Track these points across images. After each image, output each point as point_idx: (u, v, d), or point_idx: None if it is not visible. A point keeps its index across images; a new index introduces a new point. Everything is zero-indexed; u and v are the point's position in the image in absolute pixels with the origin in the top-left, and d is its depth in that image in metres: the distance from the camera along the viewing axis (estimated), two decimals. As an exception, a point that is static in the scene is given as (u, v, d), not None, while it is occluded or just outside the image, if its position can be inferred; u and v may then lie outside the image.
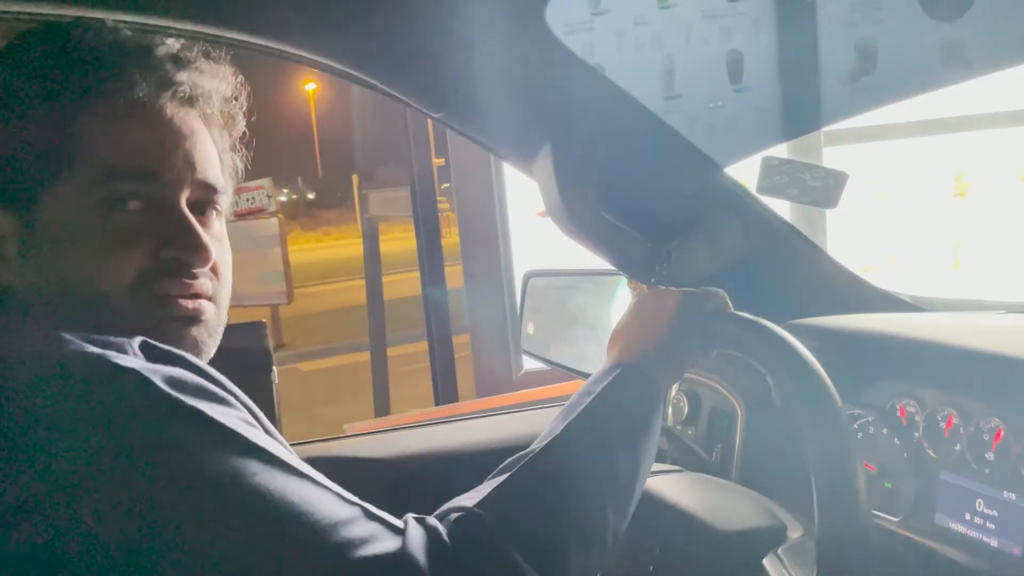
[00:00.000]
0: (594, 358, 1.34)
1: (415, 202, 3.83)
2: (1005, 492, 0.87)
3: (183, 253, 0.76)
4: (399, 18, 0.99)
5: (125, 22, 0.84)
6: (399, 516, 0.71)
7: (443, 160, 3.98)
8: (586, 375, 0.95)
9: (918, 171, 3.77)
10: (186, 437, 0.63)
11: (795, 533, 0.92)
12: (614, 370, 0.87)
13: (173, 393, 0.63)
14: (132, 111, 0.75)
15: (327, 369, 8.02)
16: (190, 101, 0.79)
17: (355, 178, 5.79)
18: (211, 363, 0.76)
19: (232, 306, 0.83)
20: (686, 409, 1.30)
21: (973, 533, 0.89)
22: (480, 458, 0.89)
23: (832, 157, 3.18)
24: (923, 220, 3.82)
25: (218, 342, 0.80)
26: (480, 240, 3.42)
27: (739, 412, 1.21)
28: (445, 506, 0.74)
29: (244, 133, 0.87)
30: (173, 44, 0.80)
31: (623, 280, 1.32)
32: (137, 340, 0.68)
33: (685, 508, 0.95)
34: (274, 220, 4.49)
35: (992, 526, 0.87)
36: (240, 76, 0.86)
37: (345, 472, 0.89)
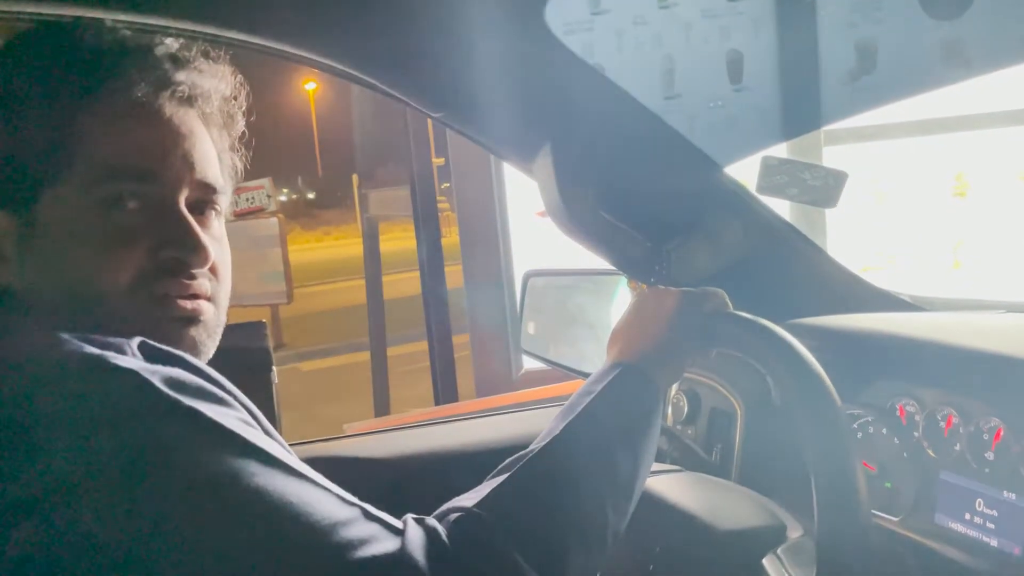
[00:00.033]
0: (594, 358, 1.34)
1: (415, 202, 3.83)
2: (1005, 492, 0.87)
3: (182, 253, 0.76)
4: (398, 18, 0.99)
5: (124, 22, 0.84)
6: (399, 516, 0.71)
7: (443, 160, 3.98)
8: (586, 375, 0.95)
9: (918, 171, 3.77)
10: (185, 438, 0.63)
11: (795, 533, 0.92)
12: (613, 370, 0.87)
13: (172, 393, 0.63)
14: (131, 111, 0.75)
15: (327, 369, 8.02)
16: (189, 101, 0.79)
17: (355, 178, 5.79)
18: (211, 363, 0.77)
19: (232, 306, 0.83)
20: (686, 409, 1.30)
21: (973, 533, 0.89)
22: (480, 458, 0.89)
23: (832, 157, 3.18)
24: (923, 220, 3.82)
25: (217, 342, 0.80)
26: (480, 240, 3.42)
27: (739, 412, 1.21)
28: (444, 506, 0.74)
29: (243, 133, 0.87)
30: (172, 44, 0.80)
31: (623, 280, 1.32)
32: (136, 340, 0.68)
33: (685, 508, 0.95)
34: (274, 220, 4.49)
35: (992, 526, 0.87)
36: (239, 76, 0.86)
37: (345, 472, 0.89)
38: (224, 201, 0.82)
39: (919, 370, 1.01)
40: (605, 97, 1.12)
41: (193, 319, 0.77)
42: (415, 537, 0.67)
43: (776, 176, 1.17)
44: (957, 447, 0.92)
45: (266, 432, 0.70)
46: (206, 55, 0.82)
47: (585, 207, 1.11)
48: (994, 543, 0.87)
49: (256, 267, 4.33)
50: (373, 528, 0.67)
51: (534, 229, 3.30)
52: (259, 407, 0.73)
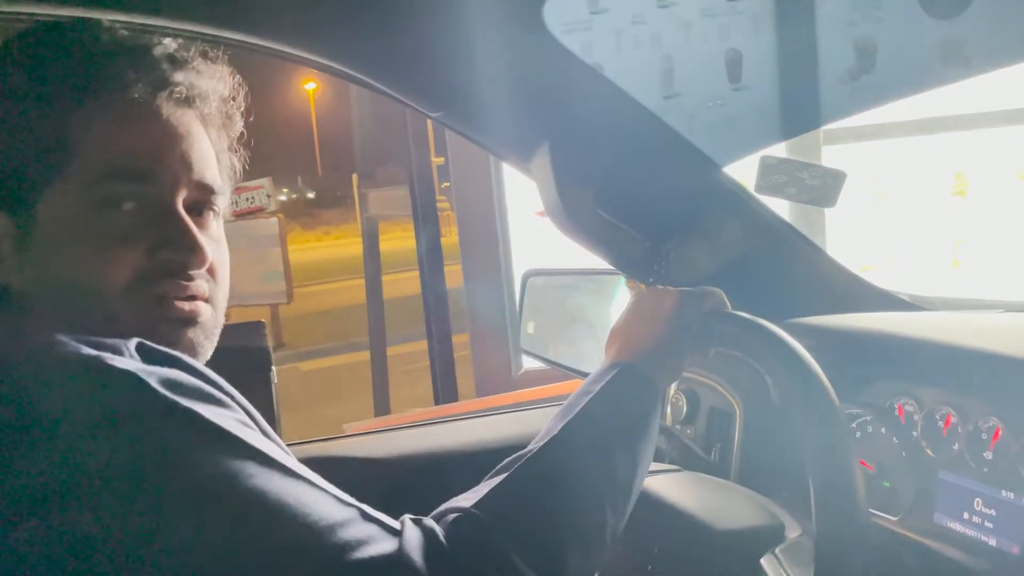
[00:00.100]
0: (593, 357, 1.34)
1: (414, 201, 3.84)
2: (1003, 491, 0.87)
3: (179, 254, 0.76)
4: (396, 17, 0.99)
5: (122, 22, 0.84)
6: (398, 516, 0.71)
7: (443, 159, 3.99)
8: (585, 374, 0.95)
9: (917, 170, 3.77)
10: (182, 439, 0.63)
11: (793, 532, 0.92)
12: (612, 370, 0.87)
13: (169, 395, 0.63)
14: (129, 111, 0.75)
15: (327, 368, 8.02)
16: (187, 101, 0.79)
17: (355, 177, 5.80)
18: (210, 363, 0.77)
19: (232, 306, 0.83)
20: (685, 408, 1.30)
21: (972, 532, 0.89)
22: (479, 458, 0.89)
23: (831, 156, 3.18)
24: (922, 219, 3.82)
25: (215, 343, 0.80)
26: (480, 239, 3.42)
27: (738, 411, 1.20)
28: (442, 507, 0.74)
29: (242, 133, 0.87)
30: (170, 44, 0.80)
31: (622, 279, 1.32)
32: (133, 342, 0.68)
33: (683, 508, 0.95)
34: (274, 220, 4.50)
35: (991, 525, 0.87)
36: (238, 76, 0.86)
37: (344, 472, 0.89)
38: (222, 202, 0.82)
39: (918, 369, 1.01)
40: (603, 96, 1.12)
41: (191, 320, 0.77)
42: (413, 538, 0.67)
43: (775, 175, 1.16)
44: (956, 446, 0.92)
45: (264, 433, 0.70)
46: (204, 55, 0.82)
47: (584, 206, 1.11)
48: (993, 542, 0.87)
49: (256, 267, 4.34)
50: (371, 529, 0.67)
51: (533, 229, 3.30)
52: (258, 407, 0.73)
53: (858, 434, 1.03)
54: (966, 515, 0.90)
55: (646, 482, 0.87)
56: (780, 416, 1.02)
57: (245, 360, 1.75)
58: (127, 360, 0.65)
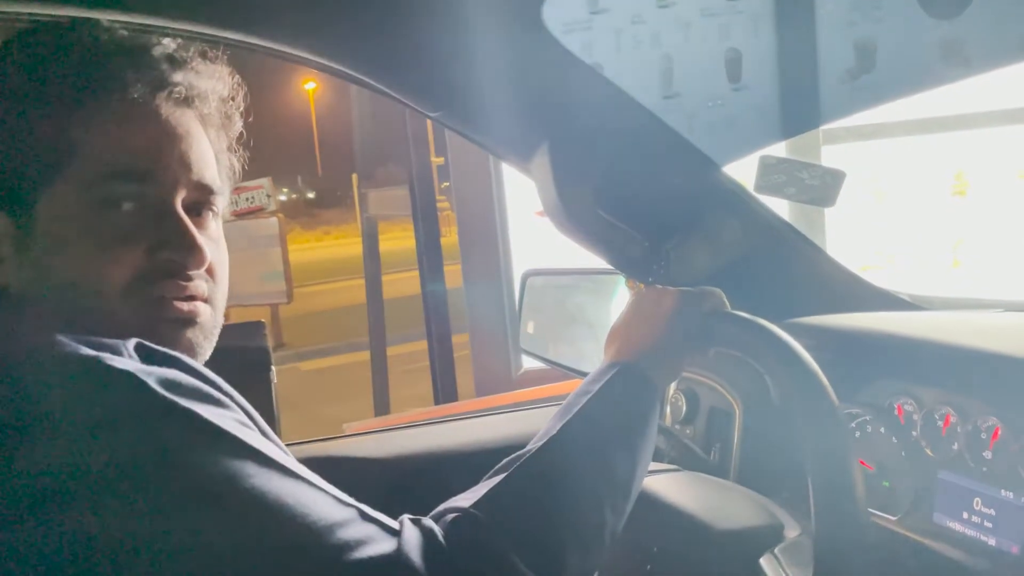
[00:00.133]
0: (593, 357, 1.34)
1: (414, 201, 3.84)
2: (1003, 491, 0.87)
3: (178, 255, 0.76)
4: (395, 17, 0.99)
5: (121, 22, 0.84)
6: (397, 516, 0.71)
7: (443, 159, 3.99)
8: (585, 374, 0.95)
9: (917, 169, 3.77)
10: (180, 439, 0.63)
11: (792, 532, 0.92)
12: (611, 369, 0.87)
13: (167, 395, 0.63)
14: (127, 111, 0.75)
15: (327, 368, 8.02)
16: (186, 101, 0.79)
17: (355, 177, 5.80)
18: (209, 363, 0.77)
19: (232, 305, 0.83)
20: (684, 408, 1.30)
21: (971, 532, 0.89)
22: (479, 457, 0.89)
23: (831, 156, 3.18)
24: (922, 219, 3.82)
25: (214, 343, 0.80)
26: (479, 239, 3.42)
27: (737, 411, 1.20)
28: (441, 507, 0.74)
29: (241, 133, 0.87)
30: (169, 44, 0.80)
31: (622, 279, 1.32)
32: (132, 342, 0.68)
33: (682, 507, 0.95)
34: (274, 219, 4.50)
35: (990, 525, 0.87)
36: (237, 76, 0.86)
37: (343, 472, 0.89)
38: (221, 202, 0.82)
39: (917, 369, 1.01)
40: (603, 96, 1.12)
41: (189, 320, 0.77)
42: (411, 538, 0.67)
43: (774, 175, 1.16)
44: (955, 446, 0.92)
45: (263, 433, 0.70)
46: (203, 56, 0.82)
47: (583, 206, 1.11)
48: (992, 542, 0.87)
49: (256, 267, 4.34)
50: (369, 529, 0.67)
51: (533, 229, 3.30)
52: (258, 407, 0.73)
53: (857, 434, 1.03)
54: (965, 515, 0.90)
55: (645, 482, 0.87)
56: (780, 416, 1.02)
57: (245, 360, 1.75)
58: (126, 360, 0.65)
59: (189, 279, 0.77)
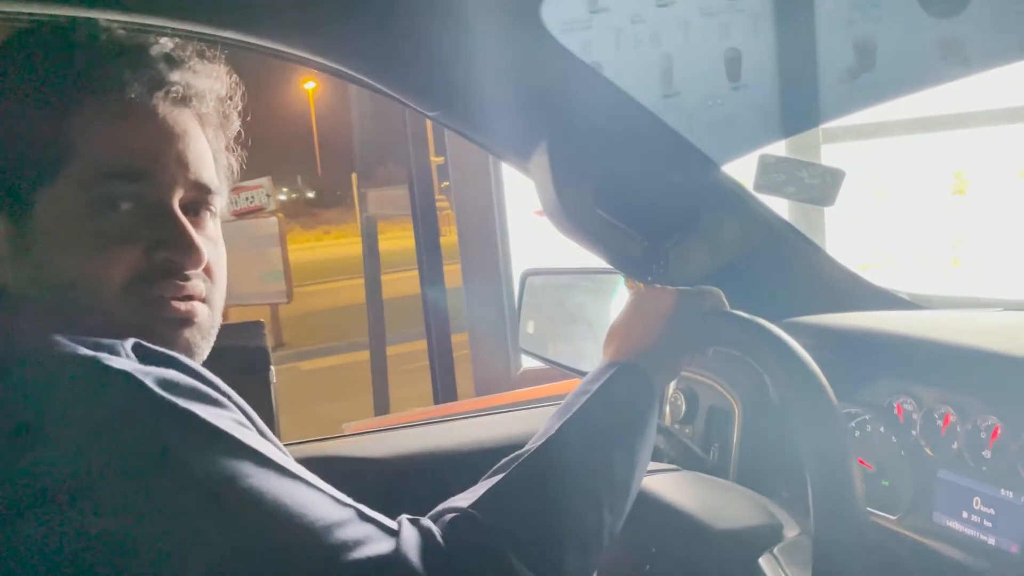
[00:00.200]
0: (592, 356, 1.34)
1: (413, 201, 3.84)
2: (1002, 490, 0.87)
3: (175, 255, 0.76)
4: (393, 16, 0.98)
5: (118, 22, 0.84)
6: (396, 516, 0.71)
7: (442, 158, 3.99)
8: (584, 373, 0.95)
9: (917, 168, 3.76)
10: (178, 439, 0.63)
11: (792, 532, 0.92)
12: (610, 369, 0.87)
13: (165, 395, 0.63)
14: (125, 111, 0.75)
15: (327, 368, 8.02)
16: (184, 101, 0.78)
17: (354, 177, 5.80)
18: (208, 363, 0.76)
19: (232, 305, 0.83)
20: (684, 408, 1.30)
21: (971, 531, 0.89)
22: (478, 457, 0.89)
23: (830, 155, 3.18)
24: (922, 218, 3.82)
25: (212, 343, 0.80)
26: (479, 239, 3.42)
27: (736, 411, 1.20)
28: (440, 507, 0.74)
29: (240, 133, 0.87)
30: (166, 44, 0.80)
31: (621, 278, 1.32)
32: (130, 342, 0.68)
33: (682, 507, 0.95)
34: (273, 219, 4.50)
35: (989, 524, 0.87)
36: (235, 75, 0.86)
37: (342, 472, 0.89)
38: (219, 202, 0.82)
39: (917, 368, 1.01)
40: (602, 96, 1.11)
41: (187, 320, 0.77)
42: (410, 538, 0.67)
43: (773, 174, 1.16)
44: (955, 445, 0.92)
45: (261, 433, 0.70)
46: (201, 55, 0.82)
47: (582, 206, 1.11)
48: (992, 541, 0.87)
49: (256, 266, 4.34)
50: (368, 529, 0.67)
51: (533, 228, 3.30)
52: (257, 407, 0.73)
53: (857, 433, 1.03)
54: (965, 514, 0.90)
55: (644, 481, 0.87)
56: (779, 415, 1.02)
57: (244, 360, 1.75)
58: (123, 360, 0.65)
59: (187, 279, 0.77)
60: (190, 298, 0.77)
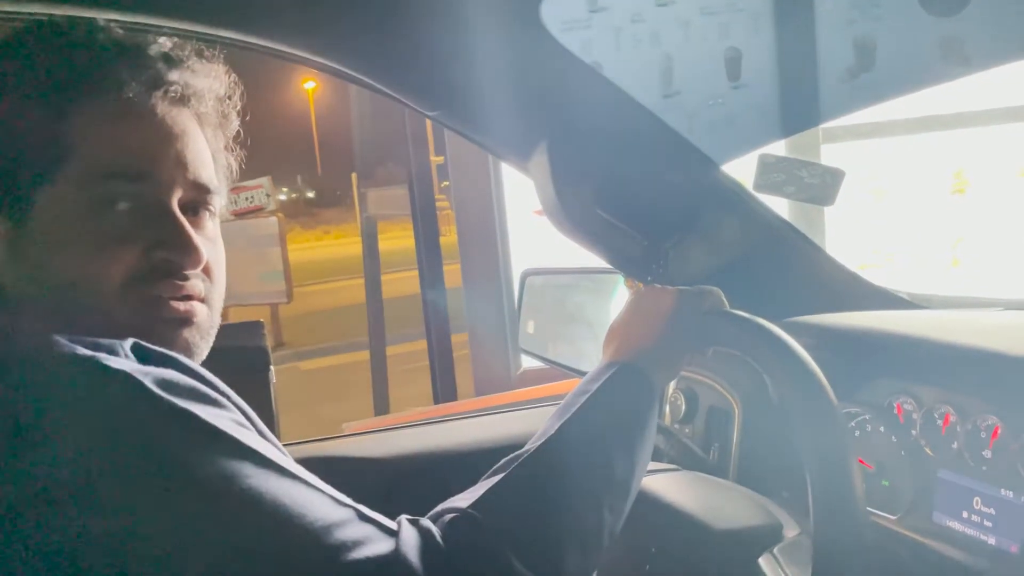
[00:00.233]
0: (592, 356, 1.34)
1: (413, 200, 3.84)
2: (1003, 490, 0.87)
3: (174, 254, 0.76)
4: (392, 16, 0.98)
5: (117, 21, 0.83)
6: (395, 516, 0.70)
7: (442, 158, 3.99)
8: (584, 373, 0.95)
9: (917, 168, 3.77)
10: (177, 439, 0.63)
11: (791, 532, 0.92)
12: (609, 368, 0.87)
13: (164, 395, 0.63)
14: (123, 111, 0.75)
15: (327, 368, 8.02)
16: (182, 100, 0.78)
17: (354, 177, 5.79)
18: (208, 363, 0.76)
19: (232, 305, 0.83)
20: (683, 407, 1.30)
21: (971, 531, 0.89)
22: (478, 457, 0.89)
23: (830, 154, 3.18)
24: (921, 217, 3.82)
25: (211, 343, 0.80)
26: (478, 238, 3.42)
27: (736, 411, 1.20)
28: (439, 507, 0.74)
29: (239, 132, 0.87)
30: (165, 43, 0.80)
31: (621, 278, 1.32)
32: (128, 342, 0.68)
33: (681, 507, 0.95)
34: (273, 219, 4.50)
35: (990, 524, 0.87)
36: (234, 75, 0.86)
37: (341, 472, 0.89)
38: (218, 201, 0.82)
39: (917, 368, 1.01)
40: (602, 95, 1.11)
41: (186, 320, 0.77)
42: (409, 538, 0.67)
43: (773, 174, 1.16)
44: (955, 445, 0.92)
45: (260, 433, 0.70)
46: (200, 54, 0.82)
47: (582, 205, 1.11)
48: (992, 541, 0.87)
49: (256, 266, 4.34)
50: (367, 529, 0.66)
51: (532, 228, 3.30)
52: (257, 407, 0.73)
53: (857, 433, 1.03)
54: (965, 514, 0.90)
55: (644, 481, 0.87)
56: (779, 415, 1.02)
57: (243, 360, 1.75)
58: (122, 360, 0.65)
59: (185, 279, 0.77)
60: (189, 298, 0.77)
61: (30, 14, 0.88)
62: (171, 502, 0.61)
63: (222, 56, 0.85)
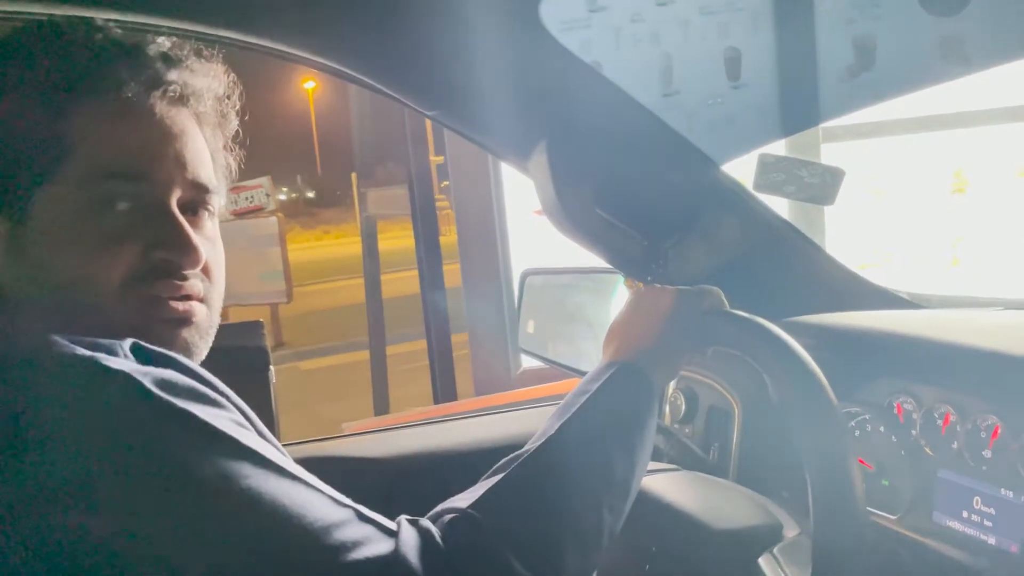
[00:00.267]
0: (592, 356, 1.34)
1: (413, 200, 3.84)
2: (1003, 490, 0.87)
3: (173, 254, 0.76)
4: (392, 16, 0.98)
5: (116, 21, 0.83)
6: (395, 516, 0.70)
7: (442, 158, 3.99)
8: (584, 373, 0.95)
9: (916, 168, 3.77)
10: (176, 439, 0.63)
11: (791, 532, 0.92)
12: (609, 368, 0.87)
13: (163, 395, 0.63)
14: (122, 110, 0.75)
15: (327, 368, 8.02)
16: (181, 100, 0.78)
17: (354, 176, 5.80)
18: (207, 363, 0.76)
19: (232, 305, 0.83)
20: (683, 407, 1.30)
21: (971, 531, 0.89)
22: (477, 457, 0.88)
23: (830, 154, 3.18)
24: (921, 217, 3.82)
25: (210, 343, 0.80)
26: (478, 238, 3.42)
27: (736, 410, 1.20)
28: (439, 507, 0.74)
29: (239, 132, 0.87)
30: (164, 43, 0.80)
31: (621, 278, 1.32)
32: (128, 342, 0.68)
33: (681, 507, 0.95)
34: (273, 219, 4.50)
35: (990, 524, 0.87)
36: (233, 74, 0.86)
37: (341, 472, 0.89)
38: (217, 201, 0.82)
39: (917, 368, 1.01)
40: (601, 95, 1.11)
41: (185, 320, 0.77)
42: (409, 539, 0.67)
43: (773, 174, 1.16)
44: (955, 445, 0.92)
45: (259, 433, 0.69)
46: (199, 54, 0.82)
47: (582, 205, 1.11)
48: (992, 541, 0.87)
49: (255, 266, 4.34)
50: (366, 530, 0.66)
51: (532, 227, 3.30)
52: (256, 407, 0.72)
53: (857, 432, 1.03)
54: (965, 514, 0.90)
55: (644, 481, 0.87)
56: (779, 415, 1.02)
57: (243, 360, 1.75)
58: (121, 360, 0.65)
59: (184, 279, 0.77)
60: (188, 298, 0.77)
61: (30, 14, 0.88)
62: (170, 502, 0.61)
63: (221, 56, 0.85)
